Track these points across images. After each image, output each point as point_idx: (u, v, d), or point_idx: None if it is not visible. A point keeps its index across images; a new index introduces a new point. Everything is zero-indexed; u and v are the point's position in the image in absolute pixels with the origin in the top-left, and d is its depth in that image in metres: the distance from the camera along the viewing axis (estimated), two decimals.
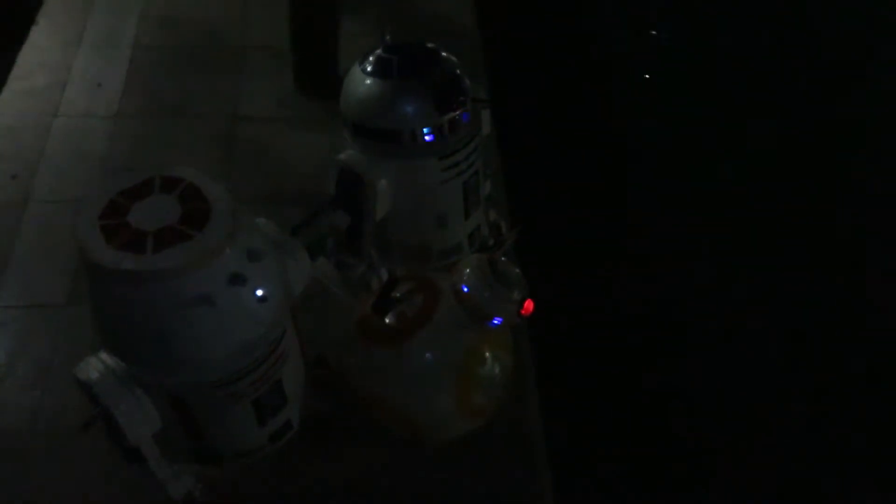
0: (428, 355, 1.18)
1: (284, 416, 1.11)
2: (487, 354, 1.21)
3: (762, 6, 3.02)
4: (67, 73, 2.15)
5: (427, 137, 1.21)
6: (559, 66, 2.71)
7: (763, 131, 2.58)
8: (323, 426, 1.28)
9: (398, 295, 1.21)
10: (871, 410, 1.92)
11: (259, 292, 0.93)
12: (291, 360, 1.07)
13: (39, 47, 2.23)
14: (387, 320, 1.20)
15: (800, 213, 2.34)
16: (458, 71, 1.26)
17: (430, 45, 1.28)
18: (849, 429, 1.89)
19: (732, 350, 2.03)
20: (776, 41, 2.92)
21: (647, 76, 2.78)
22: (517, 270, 1.19)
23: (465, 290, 1.15)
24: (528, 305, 1.15)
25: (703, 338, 2.05)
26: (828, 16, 2.97)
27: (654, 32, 3.03)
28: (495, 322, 1.15)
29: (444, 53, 1.27)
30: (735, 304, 2.12)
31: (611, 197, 2.38)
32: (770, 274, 2.19)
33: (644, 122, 2.59)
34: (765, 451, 1.84)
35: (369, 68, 1.23)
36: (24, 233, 1.75)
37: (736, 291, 2.15)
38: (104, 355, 0.99)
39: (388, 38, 1.25)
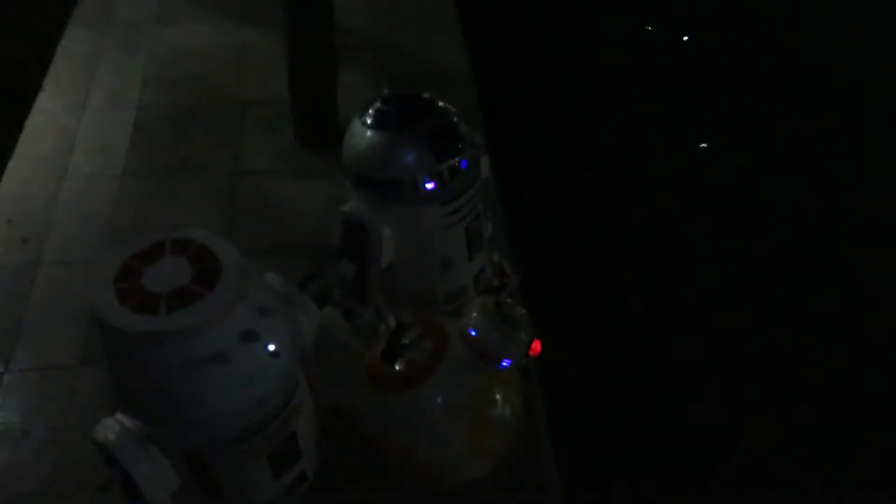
0: (438, 400, 1.19)
1: (299, 467, 1.12)
2: (497, 396, 1.23)
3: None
4: (74, 136, 2.19)
5: (428, 185, 1.24)
6: (553, 105, 2.77)
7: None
8: (337, 475, 1.29)
9: (406, 341, 1.22)
10: None
11: (271, 347, 0.95)
12: (305, 412, 1.09)
13: (46, 113, 2.28)
14: (396, 367, 1.21)
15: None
16: (455, 119, 1.30)
17: (426, 95, 1.32)
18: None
19: (749, 377, 2.03)
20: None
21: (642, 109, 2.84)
22: (523, 311, 1.21)
23: (473, 333, 1.17)
24: (536, 346, 1.17)
25: (718, 362, 2.06)
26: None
27: (649, 28, 3.10)
28: (504, 364, 1.17)
29: (440, 103, 1.31)
30: (751, 331, 2.12)
31: (610, 230, 2.40)
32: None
33: (640, 155, 2.64)
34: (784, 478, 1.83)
35: (369, 121, 1.26)
36: (36, 295, 1.77)
37: (753, 318, 2.16)
38: (120, 416, 1.00)
39: (385, 90, 1.30)
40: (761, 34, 3.08)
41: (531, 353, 1.17)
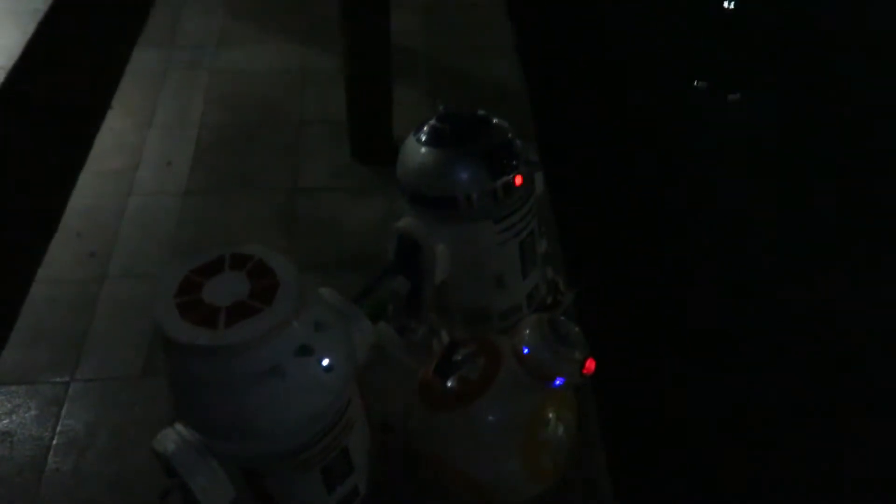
0: (491, 418, 1.18)
1: (352, 482, 1.12)
2: (551, 415, 1.21)
3: None
4: (140, 153, 2.28)
5: (482, 202, 1.24)
6: (609, 120, 2.74)
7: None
8: (390, 491, 1.29)
9: (459, 358, 1.22)
10: None
11: (326, 362, 0.96)
12: (357, 428, 1.09)
13: (114, 130, 2.37)
14: (449, 384, 1.21)
15: None
16: (510, 135, 1.30)
17: (481, 112, 1.32)
18: None
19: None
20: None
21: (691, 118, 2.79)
22: (577, 329, 1.19)
23: (527, 351, 1.15)
24: (590, 364, 1.15)
25: (769, 382, 1.99)
26: None
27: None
28: (558, 382, 1.15)
29: (494, 120, 1.31)
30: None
31: (665, 246, 2.36)
32: None
33: (699, 164, 2.59)
34: None
35: (424, 138, 1.27)
36: (101, 307, 1.83)
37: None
38: (180, 427, 1.02)
39: (441, 108, 1.30)
40: None
41: (585, 371, 1.15)
